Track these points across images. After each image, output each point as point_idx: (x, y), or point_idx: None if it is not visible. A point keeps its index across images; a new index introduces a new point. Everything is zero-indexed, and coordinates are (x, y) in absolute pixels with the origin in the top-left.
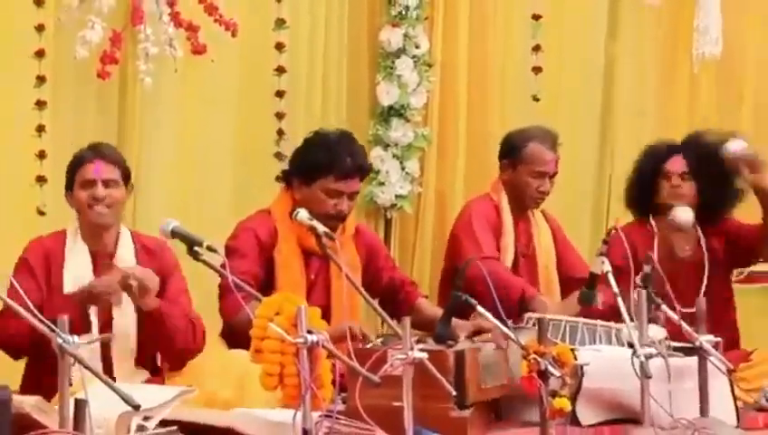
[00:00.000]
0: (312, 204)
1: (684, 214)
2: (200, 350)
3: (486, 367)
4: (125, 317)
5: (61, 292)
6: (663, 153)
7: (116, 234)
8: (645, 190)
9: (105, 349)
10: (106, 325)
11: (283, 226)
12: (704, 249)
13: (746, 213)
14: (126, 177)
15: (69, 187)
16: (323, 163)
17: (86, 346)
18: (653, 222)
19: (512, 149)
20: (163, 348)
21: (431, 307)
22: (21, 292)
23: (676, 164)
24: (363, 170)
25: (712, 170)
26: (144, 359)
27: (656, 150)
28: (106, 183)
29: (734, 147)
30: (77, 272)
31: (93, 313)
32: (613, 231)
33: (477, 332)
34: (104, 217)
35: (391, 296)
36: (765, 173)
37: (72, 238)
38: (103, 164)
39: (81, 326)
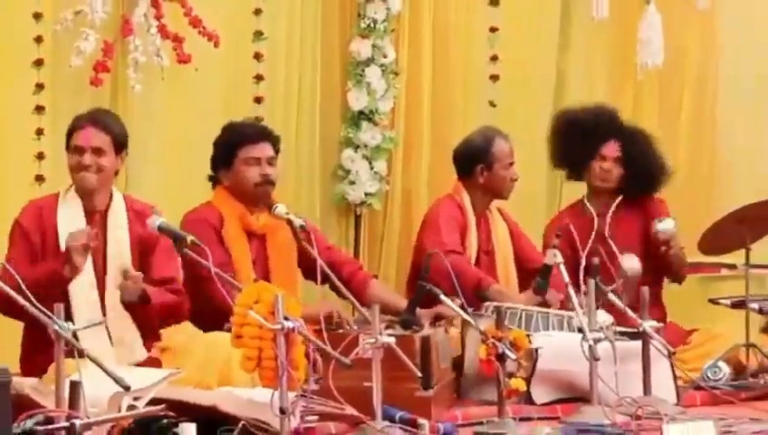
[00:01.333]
0: (241, 181)
1: (630, 263)
2: (182, 319)
3: (441, 350)
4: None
5: (56, 247)
6: (600, 135)
7: (108, 194)
8: (576, 163)
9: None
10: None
11: (227, 211)
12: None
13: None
14: (119, 145)
15: (67, 147)
16: (231, 140)
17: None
18: (591, 209)
19: (481, 155)
20: (143, 325)
21: (384, 288)
22: (15, 274)
23: (612, 149)
24: (269, 136)
25: (643, 165)
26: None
27: (593, 130)
28: (95, 150)
29: (665, 226)
30: (71, 223)
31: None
32: (564, 226)
33: (438, 318)
34: (89, 183)
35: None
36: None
37: (64, 196)
38: (94, 131)
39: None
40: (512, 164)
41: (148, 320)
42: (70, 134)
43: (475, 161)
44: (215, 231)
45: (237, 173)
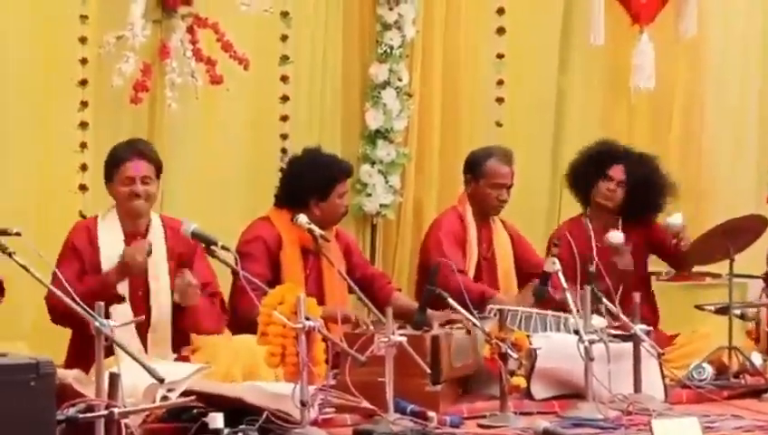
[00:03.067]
0: (331, 212)
1: (615, 238)
2: (222, 326)
3: (457, 349)
4: (160, 306)
5: (99, 265)
6: (608, 158)
7: (148, 219)
8: (585, 185)
9: (141, 331)
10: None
11: (287, 233)
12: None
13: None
14: (159, 170)
15: (109, 178)
16: (335, 174)
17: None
18: (589, 224)
19: (473, 166)
20: (191, 330)
21: (406, 299)
22: (62, 280)
23: (618, 172)
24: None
25: (644, 191)
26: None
27: (601, 155)
28: (143, 180)
29: (675, 220)
30: (112, 245)
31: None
32: (562, 236)
33: (448, 321)
34: (142, 209)
35: (366, 289)
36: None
37: (103, 218)
38: (142, 163)
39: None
40: (502, 185)
41: (191, 325)
42: (115, 166)
43: (467, 171)
44: (266, 249)
45: (332, 204)
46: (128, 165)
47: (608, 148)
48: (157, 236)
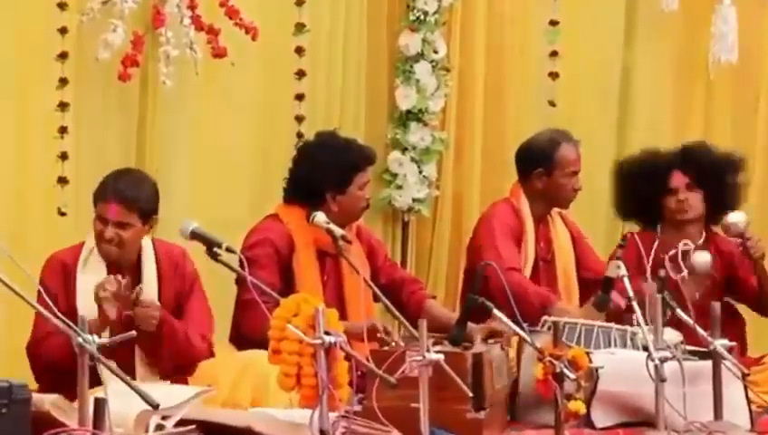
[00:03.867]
0: (351, 206)
1: (701, 260)
2: (194, 367)
3: (496, 368)
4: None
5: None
6: (662, 170)
7: (135, 253)
8: (650, 207)
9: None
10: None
11: (299, 234)
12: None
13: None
14: (148, 215)
15: (95, 205)
16: (355, 160)
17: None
18: (659, 235)
19: (543, 157)
20: (156, 360)
21: (441, 308)
22: (48, 300)
23: (678, 179)
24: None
25: (714, 177)
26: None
27: (653, 168)
28: (118, 224)
29: (737, 218)
30: (88, 286)
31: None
32: (629, 235)
33: (491, 334)
34: (110, 255)
35: (394, 296)
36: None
37: (87, 256)
38: (120, 209)
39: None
40: (576, 173)
41: (169, 356)
42: (96, 199)
43: (535, 164)
44: (276, 253)
45: (352, 197)
46: (104, 206)
47: (651, 159)
48: (149, 270)
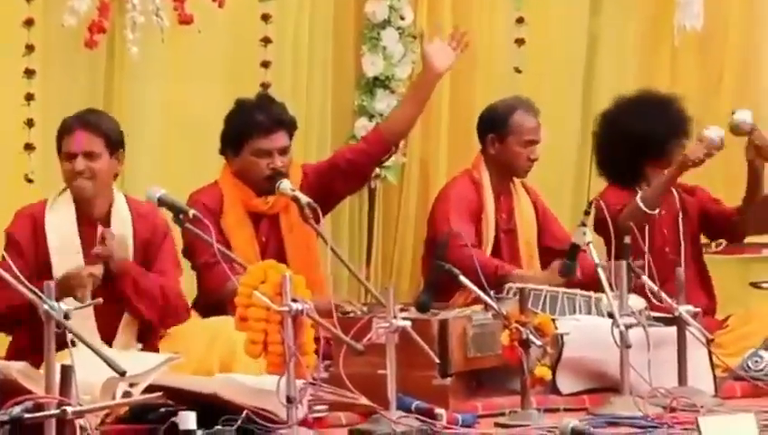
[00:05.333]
0: (248, 171)
1: (742, 117)
2: (172, 325)
3: (478, 336)
4: None
5: (47, 263)
6: (660, 138)
7: (109, 199)
8: (633, 169)
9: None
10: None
11: (229, 193)
12: (679, 208)
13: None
14: (114, 145)
15: (58, 152)
16: (242, 127)
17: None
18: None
19: (496, 123)
20: (132, 313)
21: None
22: (11, 264)
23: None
24: (284, 124)
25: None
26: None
27: (653, 133)
28: (88, 155)
29: (743, 115)
30: (61, 233)
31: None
32: (594, 201)
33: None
34: (85, 191)
35: (355, 166)
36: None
37: (54, 201)
38: (85, 135)
39: None
40: (532, 142)
41: (149, 307)
42: (59, 139)
43: (489, 130)
44: (209, 213)
45: (246, 162)
46: (69, 138)
47: (675, 110)
48: (121, 220)
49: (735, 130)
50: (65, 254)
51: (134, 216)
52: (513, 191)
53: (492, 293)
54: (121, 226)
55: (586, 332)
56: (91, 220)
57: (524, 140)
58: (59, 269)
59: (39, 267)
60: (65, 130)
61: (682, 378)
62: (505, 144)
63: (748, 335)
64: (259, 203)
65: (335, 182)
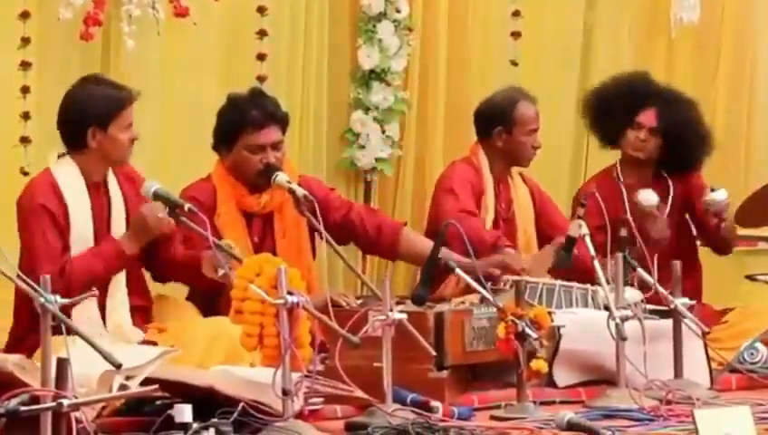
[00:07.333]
0: (242, 166)
1: (646, 200)
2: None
3: (479, 329)
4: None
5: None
6: (638, 100)
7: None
8: (611, 130)
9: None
10: None
11: (222, 190)
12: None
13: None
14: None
15: (103, 124)
16: (234, 122)
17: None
18: (620, 177)
19: (503, 116)
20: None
21: (418, 237)
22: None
23: (649, 118)
24: (277, 119)
25: (682, 142)
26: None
27: (631, 94)
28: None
29: (720, 196)
30: (76, 194)
31: None
32: (590, 193)
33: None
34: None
35: (358, 233)
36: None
37: (58, 167)
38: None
39: None
40: (535, 130)
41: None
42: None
43: (495, 123)
44: (205, 213)
45: (239, 158)
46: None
47: (639, 84)
48: (114, 188)
49: (707, 207)
50: (84, 216)
51: (121, 180)
52: (510, 181)
53: (488, 285)
54: (115, 189)
55: (582, 324)
56: (96, 185)
57: (528, 130)
58: (76, 234)
59: (64, 231)
60: (122, 104)
61: (678, 370)
62: (513, 136)
63: (744, 331)
64: (252, 202)
65: (329, 219)
